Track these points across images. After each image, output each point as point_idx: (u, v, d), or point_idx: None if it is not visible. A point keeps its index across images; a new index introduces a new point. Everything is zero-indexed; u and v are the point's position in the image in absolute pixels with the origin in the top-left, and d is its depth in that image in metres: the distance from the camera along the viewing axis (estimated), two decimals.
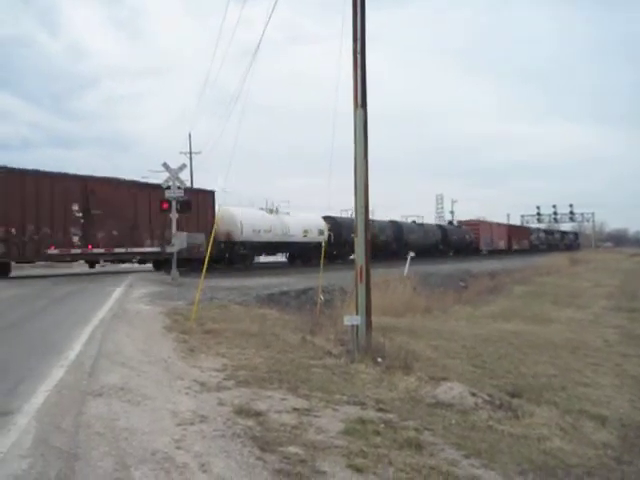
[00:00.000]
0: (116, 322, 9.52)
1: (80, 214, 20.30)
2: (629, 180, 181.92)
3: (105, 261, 23.24)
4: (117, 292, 14.40)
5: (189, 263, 21.93)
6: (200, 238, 21.39)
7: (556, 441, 5.17)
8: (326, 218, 32.77)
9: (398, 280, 18.66)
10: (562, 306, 19.17)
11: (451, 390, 6.31)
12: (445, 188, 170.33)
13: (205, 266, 11.06)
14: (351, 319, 8.27)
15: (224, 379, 6.02)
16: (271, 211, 29.73)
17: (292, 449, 4.03)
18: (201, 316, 10.09)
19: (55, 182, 19.72)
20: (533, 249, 67.35)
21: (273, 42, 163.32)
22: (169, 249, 18.35)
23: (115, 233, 21.21)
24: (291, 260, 32.58)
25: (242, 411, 4.85)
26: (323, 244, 18.70)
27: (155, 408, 4.89)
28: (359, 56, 8.97)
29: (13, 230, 18.58)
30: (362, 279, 8.85)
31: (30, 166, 19.47)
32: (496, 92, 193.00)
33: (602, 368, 9.49)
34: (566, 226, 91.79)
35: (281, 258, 33.28)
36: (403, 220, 44.46)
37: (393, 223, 41.11)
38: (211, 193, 25.55)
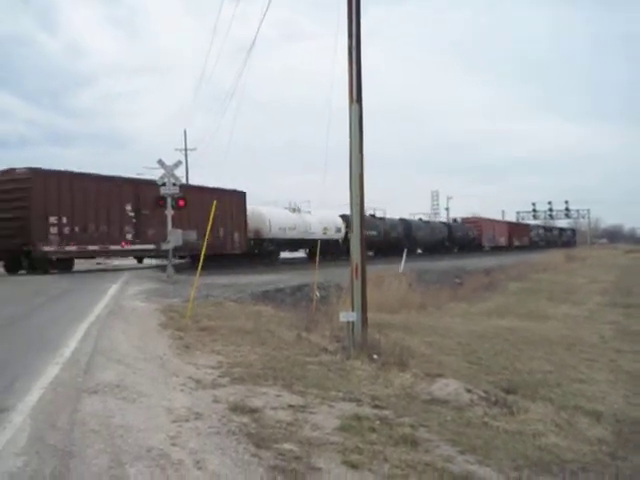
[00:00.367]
0: (112, 319, 9.49)
1: (132, 214, 22.01)
2: (624, 176, 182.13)
3: (150, 257, 25.31)
4: (113, 289, 14.37)
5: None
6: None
7: (551, 437, 5.19)
8: (343, 216, 34.15)
9: (393, 276, 18.68)
10: (558, 302, 19.24)
11: (446, 387, 6.32)
12: (444, 185, 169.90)
13: (200, 264, 11.02)
14: (347, 315, 8.29)
15: (219, 376, 6.01)
16: (294, 210, 32.35)
17: (287, 446, 4.03)
18: (196, 313, 10.08)
19: (112, 185, 21.46)
20: (533, 245, 67.87)
21: (268, 39, 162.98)
22: (164, 246, 18.29)
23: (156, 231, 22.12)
24: (310, 256, 33.24)
25: (237, 408, 4.85)
26: (319, 244, 18.69)
27: (150, 405, 4.88)
28: (354, 52, 8.98)
29: (77, 229, 20.09)
30: (357, 275, 8.85)
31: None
32: (495, 90, 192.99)
33: (597, 364, 9.54)
34: (561, 222, 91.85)
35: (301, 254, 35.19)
36: (411, 218, 47.17)
37: (403, 221, 43.70)
38: (243, 194, 27.49)
